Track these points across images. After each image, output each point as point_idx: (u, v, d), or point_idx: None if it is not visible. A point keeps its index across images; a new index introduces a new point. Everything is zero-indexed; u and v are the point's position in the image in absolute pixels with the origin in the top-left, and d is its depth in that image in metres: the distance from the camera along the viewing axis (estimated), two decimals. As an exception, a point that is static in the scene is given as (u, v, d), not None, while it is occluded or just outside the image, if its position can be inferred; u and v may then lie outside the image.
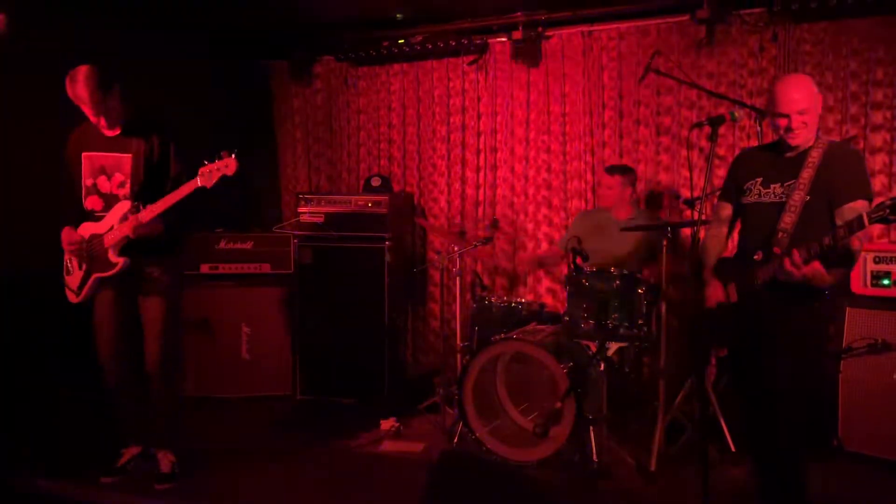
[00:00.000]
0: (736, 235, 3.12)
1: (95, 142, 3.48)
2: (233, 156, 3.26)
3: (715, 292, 2.96)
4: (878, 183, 4.34)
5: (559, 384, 3.62)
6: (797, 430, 2.77)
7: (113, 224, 3.42)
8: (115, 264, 3.43)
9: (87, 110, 3.32)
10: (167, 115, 3.62)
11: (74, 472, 3.60)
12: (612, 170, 4.53)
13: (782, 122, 2.76)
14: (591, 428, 3.69)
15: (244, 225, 5.29)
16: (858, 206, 2.65)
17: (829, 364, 3.68)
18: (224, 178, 3.27)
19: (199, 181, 3.29)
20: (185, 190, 3.31)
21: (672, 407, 3.96)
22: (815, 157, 2.76)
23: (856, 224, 2.43)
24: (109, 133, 3.46)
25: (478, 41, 5.25)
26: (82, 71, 3.25)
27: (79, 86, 3.24)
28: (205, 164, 3.29)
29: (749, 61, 4.62)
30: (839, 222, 2.66)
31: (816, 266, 2.55)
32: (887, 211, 2.34)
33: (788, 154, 2.84)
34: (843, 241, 2.50)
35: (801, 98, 2.73)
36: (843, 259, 2.65)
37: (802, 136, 2.77)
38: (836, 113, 4.44)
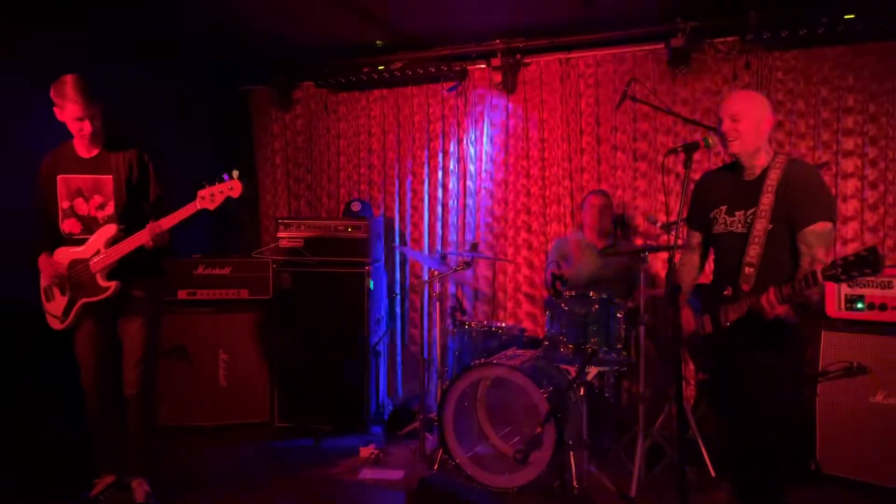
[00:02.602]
0: (712, 262, 3.14)
1: (72, 164, 3.46)
2: (236, 178, 3.28)
3: (687, 321, 2.97)
4: (850, 208, 4.42)
5: (539, 409, 3.61)
6: (774, 457, 2.77)
7: (99, 248, 3.39)
8: (106, 288, 3.40)
9: (72, 114, 3.27)
10: (145, 139, 3.59)
11: (46, 502, 3.52)
12: (600, 192, 4.70)
13: (721, 128, 2.82)
14: (572, 453, 3.68)
15: (223, 250, 5.26)
16: (818, 229, 2.67)
17: (801, 395, 3.71)
18: (229, 200, 3.28)
19: (199, 203, 3.30)
20: (190, 209, 3.32)
21: (652, 431, 3.96)
22: (773, 179, 2.76)
23: (811, 279, 2.45)
24: (86, 155, 3.45)
25: (457, 68, 5.31)
26: (69, 76, 3.25)
27: (68, 88, 3.23)
28: (204, 187, 3.30)
29: (723, 88, 4.70)
30: (802, 247, 2.68)
31: (787, 308, 2.58)
32: (839, 270, 2.37)
33: (747, 177, 2.85)
34: (800, 296, 2.53)
35: (733, 104, 2.80)
36: (802, 307, 2.68)
37: (736, 146, 2.79)
38: (809, 139, 4.53)
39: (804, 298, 2.55)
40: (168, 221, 3.33)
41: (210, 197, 3.30)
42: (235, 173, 3.31)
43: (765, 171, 2.80)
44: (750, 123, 2.77)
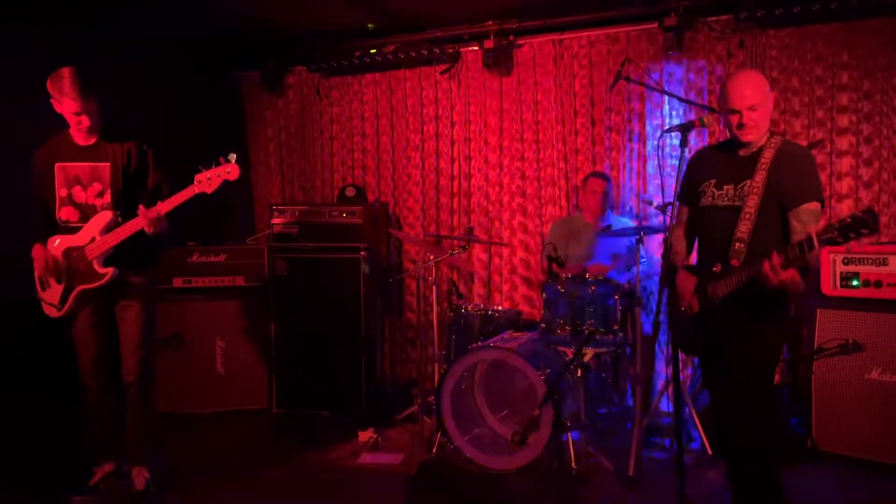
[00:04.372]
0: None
1: (69, 152, 3.44)
2: (234, 161, 3.28)
3: (687, 284, 2.92)
4: (844, 185, 4.42)
5: (537, 391, 3.62)
6: (761, 431, 2.78)
7: (94, 235, 3.38)
8: (103, 275, 3.39)
9: (70, 109, 3.26)
10: (141, 128, 3.58)
11: (45, 492, 3.52)
12: (602, 175, 4.65)
13: (734, 118, 2.76)
14: (569, 434, 3.70)
15: (217, 238, 5.24)
16: (812, 208, 2.67)
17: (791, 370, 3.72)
18: (227, 184, 3.29)
19: (196, 188, 3.29)
20: (188, 193, 3.31)
21: (649, 411, 3.98)
22: (767, 157, 2.75)
23: (806, 245, 2.44)
24: (83, 143, 3.43)
25: (450, 50, 5.27)
26: (66, 69, 3.23)
27: (65, 82, 3.21)
28: (201, 171, 3.30)
29: (717, 67, 4.68)
30: (795, 223, 2.67)
31: (792, 272, 2.55)
32: (836, 233, 2.35)
33: (742, 152, 2.83)
34: (798, 261, 2.51)
35: (752, 94, 2.73)
36: (803, 271, 2.66)
37: (754, 133, 2.76)
38: (803, 117, 4.52)
39: (803, 262, 2.55)
40: (165, 206, 3.32)
41: (207, 181, 3.30)
42: (232, 157, 3.31)
43: (760, 150, 2.78)
44: (765, 110, 2.77)
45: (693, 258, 3.10)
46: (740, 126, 2.75)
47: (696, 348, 3.02)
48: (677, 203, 3.05)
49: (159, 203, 3.32)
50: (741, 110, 2.73)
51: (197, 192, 3.31)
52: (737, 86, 2.75)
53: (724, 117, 2.81)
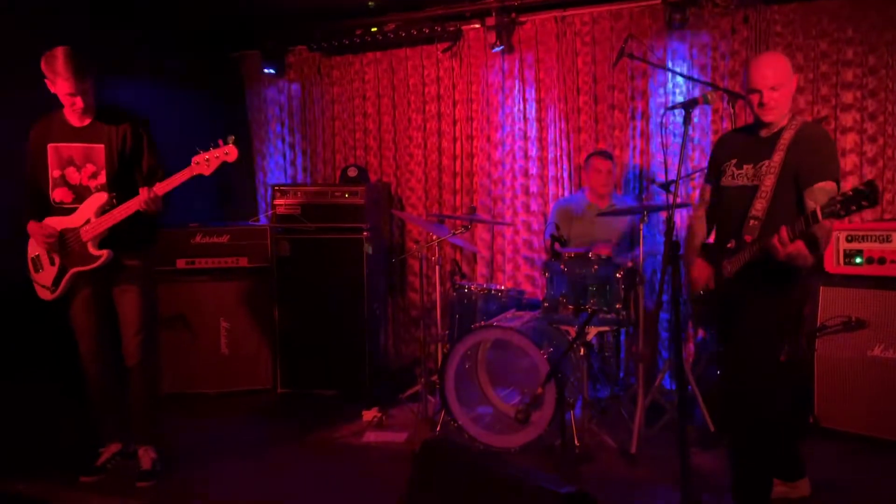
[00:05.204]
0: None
1: (62, 132, 3.41)
2: (232, 143, 3.28)
3: (701, 273, 2.98)
4: (848, 162, 4.40)
5: (540, 370, 3.63)
6: (765, 405, 2.80)
7: (89, 217, 3.37)
8: (98, 257, 3.38)
9: (64, 90, 3.23)
10: (139, 109, 3.56)
11: (53, 472, 3.55)
12: (606, 154, 4.61)
13: (754, 97, 2.78)
14: (572, 412, 3.72)
15: (219, 218, 5.24)
16: (827, 187, 2.69)
17: (795, 346, 3.72)
18: (225, 165, 3.29)
19: (194, 169, 3.29)
20: (186, 174, 3.31)
21: (651, 389, 3.99)
22: (786, 138, 2.78)
23: (811, 218, 2.47)
24: (78, 124, 3.40)
25: (451, 28, 5.22)
26: (60, 48, 3.20)
27: (59, 62, 3.18)
28: (199, 153, 3.30)
29: (721, 44, 4.65)
30: (810, 202, 2.69)
31: (800, 245, 2.57)
32: (838, 206, 2.38)
33: (763, 133, 2.87)
34: (804, 234, 2.53)
35: (773, 74, 2.75)
36: (810, 245, 2.68)
37: (775, 114, 2.79)
38: (808, 94, 4.48)
39: (811, 236, 2.56)
40: (163, 187, 3.31)
41: (205, 162, 3.29)
42: (231, 139, 3.30)
43: (780, 131, 2.82)
44: (787, 91, 2.79)
45: (711, 239, 3.14)
46: (761, 105, 2.78)
47: (712, 321, 3.04)
48: (706, 185, 3.13)
49: (156, 184, 3.31)
50: (762, 90, 2.76)
51: (195, 173, 3.30)
52: (759, 66, 2.78)
53: (746, 97, 2.83)
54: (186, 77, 5.50)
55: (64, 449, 3.80)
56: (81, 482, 3.48)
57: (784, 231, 2.53)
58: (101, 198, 3.38)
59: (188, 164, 3.32)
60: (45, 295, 3.51)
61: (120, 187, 3.40)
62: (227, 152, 3.30)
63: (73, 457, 3.63)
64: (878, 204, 2.36)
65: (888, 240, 3.72)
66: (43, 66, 3.21)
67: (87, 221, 3.37)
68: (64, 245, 3.41)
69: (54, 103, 3.37)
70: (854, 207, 2.36)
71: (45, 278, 3.49)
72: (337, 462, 3.79)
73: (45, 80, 3.25)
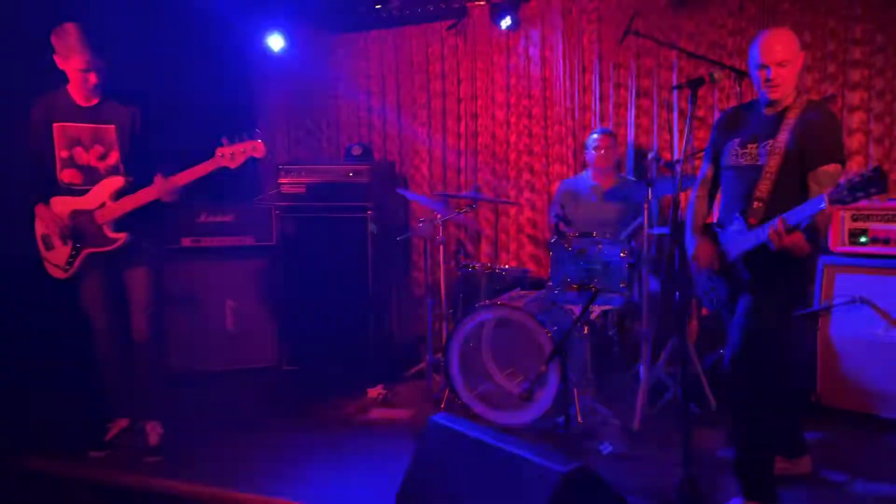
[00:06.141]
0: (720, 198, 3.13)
1: (69, 112, 3.38)
2: (258, 139, 3.25)
3: (705, 252, 2.96)
4: (855, 141, 4.37)
5: (544, 348, 3.65)
6: (774, 380, 2.81)
7: (104, 200, 3.37)
8: (115, 240, 3.40)
9: (77, 66, 3.20)
10: (145, 90, 3.54)
11: (62, 447, 3.60)
12: (605, 130, 4.62)
13: (761, 73, 2.75)
14: (576, 390, 3.74)
15: (223, 197, 5.24)
16: (832, 170, 2.66)
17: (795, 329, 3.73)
18: (252, 160, 3.28)
19: (219, 161, 3.27)
20: (209, 166, 3.30)
21: (655, 367, 4.01)
22: (791, 117, 2.74)
23: (817, 216, 2.46)
24: (85, 103, 3.38)
25: (456, 5, 5.19)
26: (71, 24, 3.17)
27: (71, 37, 3.15)
28: (223, 145, 3.27)
29: (728, 21, 4.60)
30: (813, 185, 2.66)
31: (797, 237, 2.56)
32: (845, 193, 2.35)
33: (767, 111, 2.83)
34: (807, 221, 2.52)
35: (781, 50, 2.71)
36: (810, 234, 2.67)
37: (781, 91, 2.75)
38: (815, 72, 4.45)
39: (812, 225, 2.55)
40: (183, 178, 3.30)
41: (231, 156, 3.26)
42: (257, 132, 3.26)
43: (786, 109, 2.78)
44: (794, 67, 2.75)
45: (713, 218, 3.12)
46: (767, 81, 2.73)
47: (714, 301, 3.03)
48: (704, 163, 3.07)
49: (178, 174, 3.30)
50: (770, 65, 2.71)
51: (219, 166, 3.28)
52: (767, 41, 2.73)
53: (753, 73, 2.79)
54: (189, 53, 5.44)
55: (73, 424, 3.84)
56: (90, 457, 3.52)
57: (780, 224, 2.52)
58: (118, 181, 3.38)
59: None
60: (58, 273, 3.52)
61: (131, 170, 3.40)
62: (255, 147, 3.26)
63: (82, 432, 3.67)
64: (887, 192, 2.31)
65: (894, 219, 3.71)
66: (54, 41, 3.18)
67: (103, 205, 3.37)
68: (76, 226, 3.41)
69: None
70: (861, 194, 2.32)
71: (56, 257, 3.49)
72: (342, 438, 3.82)
73: (55, 56, 3.22)
